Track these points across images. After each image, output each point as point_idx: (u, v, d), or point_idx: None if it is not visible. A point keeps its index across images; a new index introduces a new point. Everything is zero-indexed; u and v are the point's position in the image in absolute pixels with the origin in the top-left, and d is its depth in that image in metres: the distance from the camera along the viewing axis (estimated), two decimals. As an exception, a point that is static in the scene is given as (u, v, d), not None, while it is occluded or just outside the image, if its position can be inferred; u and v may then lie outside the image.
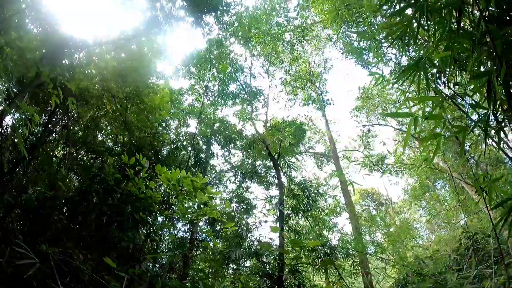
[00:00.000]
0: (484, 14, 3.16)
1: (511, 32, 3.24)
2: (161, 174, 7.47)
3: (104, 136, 10.91)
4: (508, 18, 3.26)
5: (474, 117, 3.76)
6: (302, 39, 16.66)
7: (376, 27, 11.83)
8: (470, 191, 15.21)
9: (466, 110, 4.38)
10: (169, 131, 13.94)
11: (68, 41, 7.94)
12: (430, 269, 8.32)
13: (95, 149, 9.40)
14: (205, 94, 16.86)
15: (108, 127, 10.94)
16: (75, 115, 8.99)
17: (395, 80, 4.70)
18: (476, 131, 4.38)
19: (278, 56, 18.21)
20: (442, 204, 21.36)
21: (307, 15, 15.94)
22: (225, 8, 12.09)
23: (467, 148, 10.55)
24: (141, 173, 8.02)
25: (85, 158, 9.63)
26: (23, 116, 6.20)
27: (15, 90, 6.81)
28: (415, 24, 3.60)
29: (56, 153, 9.05)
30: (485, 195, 3.86)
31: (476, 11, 3.65)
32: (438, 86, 4.41)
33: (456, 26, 3.43)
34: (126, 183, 7.54)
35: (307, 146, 21.86)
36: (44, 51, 7.05)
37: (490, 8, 3.37)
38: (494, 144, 3.61)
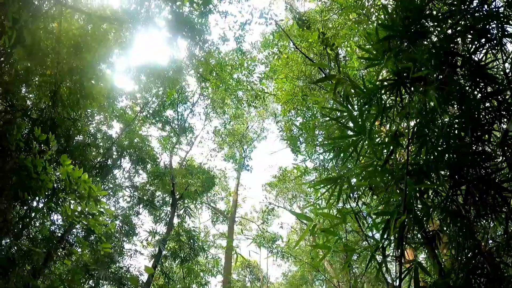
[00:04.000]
0: (408, 162, 3.53)
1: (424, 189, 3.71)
2: (64, 165, 6.95)
3: (26, 93, 10.00)
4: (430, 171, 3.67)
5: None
6: (251, 103, 17.13)
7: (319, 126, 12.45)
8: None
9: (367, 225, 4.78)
10: (91, 123, 13.17)
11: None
12: None
13: (13, 101, 8.48)
14: (140, 106, 16.39)
15: (36, 87, 10.08)
16: (12, 58, 8.21)
17: (313, 183, 5.02)
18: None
19: (223, 106, 18.45)
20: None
21: (267, 85, 16.56)
22: (200, 43, 12.23)
23: (355, 257, 11.11)
24: (45, 154, 7.37)
25: (-1, 102, 8.61)
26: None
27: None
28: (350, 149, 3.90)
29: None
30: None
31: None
32: (350, 199, 4.80)
33: (381, 163, 3.76)
34: (25, 155, 6.89)
35: (210, 198, 21.63)
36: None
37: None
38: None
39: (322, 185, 4.14)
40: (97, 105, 11.48)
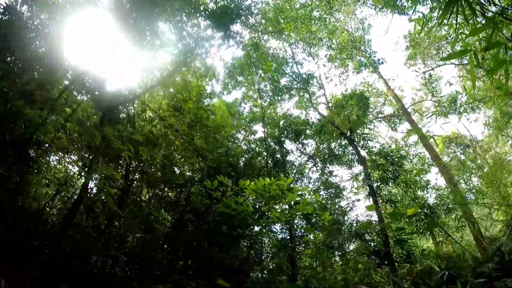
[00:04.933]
0: None
1: None
2: (246, 187, 7.74)
3: (181, 168, 11.46)
4: None
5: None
6: (330, 10, 16.26)
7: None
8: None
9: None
10: (238, 143, 14.31)
11: (118, 97, 8.51)
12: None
13: (177, 183, 9.88)
14: (260, 97, 17.05)
15: (182, 159, 11.48)
16: (149, 158, 9.56)
17: (439, 19, 4.41)
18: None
19: (315, 35, 17.94)
20: (531, 128, 19.36)
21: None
22: (247, 11, 12.10)
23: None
24: (227, 192, 8.31)
25: (170, 194, 10.16)
26: (102, 176, 6.72)
27: (87, 156, 7.44)
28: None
29: (143, 198, 9.67)
30: None
31: None
32: (484, 5, 4.14)
33: None
34: (216, 205, 7.86)
35: (375, 112, 20.98)
36: (101, 114, 7.63)
37: None
38: None
39: (445, 12, 3.73)
40: (230, 129, 12.44)
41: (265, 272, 8.14)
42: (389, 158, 12.80)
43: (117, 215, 6.81)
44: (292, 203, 8.65)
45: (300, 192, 8.32)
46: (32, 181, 6.33)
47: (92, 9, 7.33)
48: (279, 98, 17.75)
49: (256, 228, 9.26)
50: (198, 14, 10.06)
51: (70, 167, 8.38)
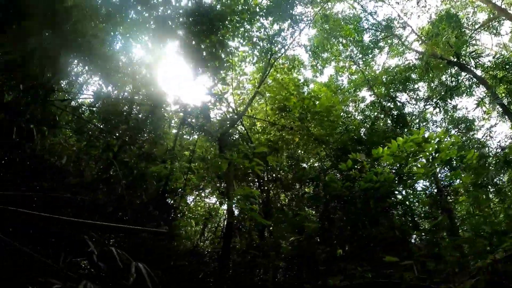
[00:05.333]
0: None
1: None
2: (382, 156, 7.48)
3: (307, 162, 11.57)
4: None
5: None
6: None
7: None
8: None
9: None
10: (353, 116, 14.02)
11: (225, 122, 8.99)
12: None
13: (310, 177, 9.95)
14: (353, 63, 16.53)
15: (306, 153, 11.61)
16: (276, 165, 9.82)
17: None
18: None
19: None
20: None
21: None
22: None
23: None
24: (364, 167, 8.11)
25: (307, 189, 10.29)
26: (240, 196, 7.08)
27: (220, 185, 7.96)
28: None
29: (283, 202, 9.95)
30: None
31: None
32: None
33: None
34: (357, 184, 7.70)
35: (470, 25, 18.59)
36: (216, 143, 8.15)
37: None
38: None
39: None
40: (340, 106, 12.20)
41: (424, 234, 7.68)
42: (508, 66, 11.36)
43: (266, 226, 7.12)
44: (432, 154, 8.12)
45: (437, 139, 7.77)
46: (179, 224, 6.99)
47: (164, 62, 7.87)
48: (371, 56, 16.94)
49: (403, 192, 8.87)
50: (257, 17, 10.18)
51: (207, 200, 9.07)
